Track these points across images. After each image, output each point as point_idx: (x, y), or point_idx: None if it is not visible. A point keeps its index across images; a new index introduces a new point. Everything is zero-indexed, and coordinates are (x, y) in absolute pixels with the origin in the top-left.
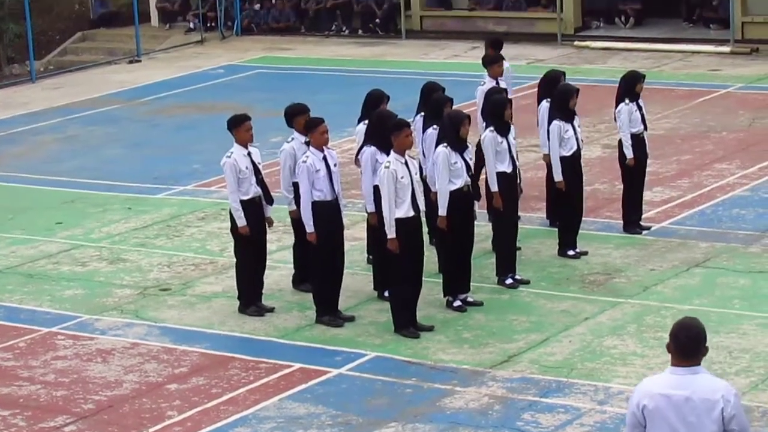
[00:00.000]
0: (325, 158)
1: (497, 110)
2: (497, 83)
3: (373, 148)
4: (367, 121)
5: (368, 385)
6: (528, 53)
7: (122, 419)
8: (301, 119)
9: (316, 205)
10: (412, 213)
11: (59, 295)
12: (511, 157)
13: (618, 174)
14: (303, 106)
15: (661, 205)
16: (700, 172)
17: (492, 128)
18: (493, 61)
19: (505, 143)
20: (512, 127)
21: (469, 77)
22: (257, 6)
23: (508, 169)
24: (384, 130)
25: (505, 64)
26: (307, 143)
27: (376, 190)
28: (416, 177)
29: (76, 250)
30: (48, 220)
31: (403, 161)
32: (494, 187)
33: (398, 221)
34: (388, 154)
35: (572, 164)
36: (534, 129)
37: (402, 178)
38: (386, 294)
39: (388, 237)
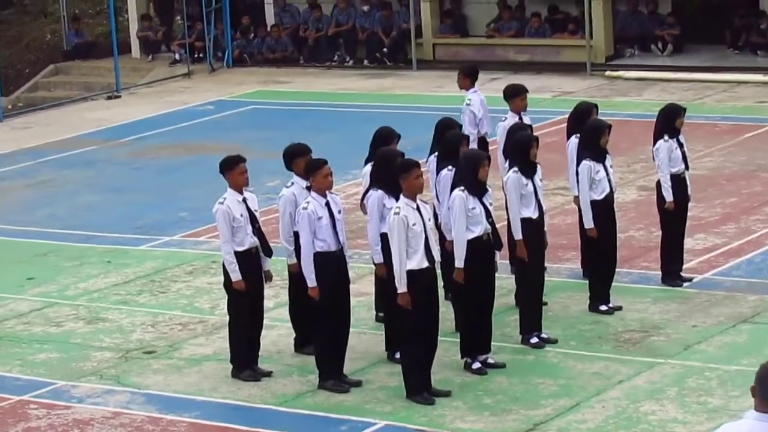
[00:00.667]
0: (328, 204)
1: (522, 149)
2: (520, 118)
3: (380, 191)
4: (373, 162)
5: None
6: (554, 85)
7: None
8: (302, 161)
9: (319, 257)
10: (425, 264)
11: (31, 359)
12: (537, 201)
13: (656, 219)
14: (304, 146)
15: (704, 253)
16: (748, 216)
17: (516, 169)
18: (515, 94)
19: (530, 185)
20: (539, 167)
21: (490, 112)
22: (251, 36)
23: (534, 215)
24: (390, 172)
25: (480, 95)
26: (309, 188)
27: (384, 238)
28: (430, 224)
29: (49, 309)
30: (18, 276)
31: (415, 206)
32: (518, 235)
33: (410, 273)
34: (396, 198)
35: (604, 209)
36: (559, 169)
37: (414, 225)
38: (397, 355)
39: (399, 291)
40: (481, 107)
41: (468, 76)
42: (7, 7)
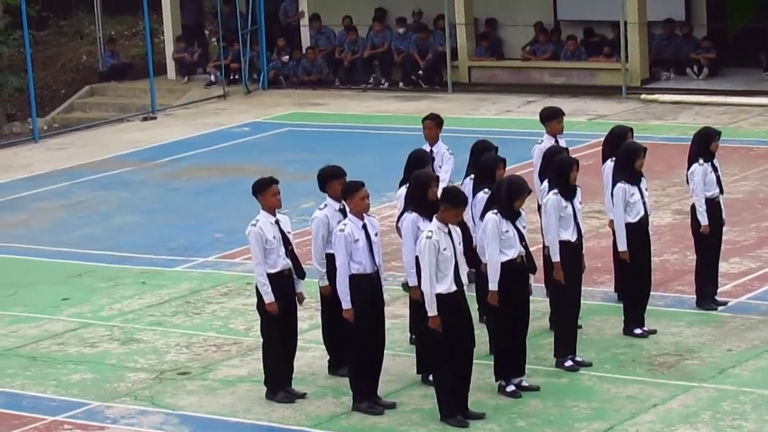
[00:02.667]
0: (365, 226)
1: (563, 171)
2: (556, 141)
3: (414, 214)
4: (408, 185)
5: None
6: (589, 108)
7: None
8: (337, 184)
9: (355, 279)
10: (454, 288)
11: (66, 379)
12: (576, 223)
13: (690, 243)
14: (339, 169)
15: (739, 277)
16: None
17: (556, 191)
18: (551, 117)
19: (569, 208)
20: (578, 190)
21: (524, 135)
22: (285, 57)
23: (572, 238)
24: (424, 194)
25: (441, 145)
26: (342, 210)
27: (419, 261)
28: (460, 248)
29: (84, 330)
30: (53, 296)
31: (447, 230)
32: (555, 257)
33: (440, 297)
34: (431, 220)
35: (639, 232)
36: (594, 192)
37: (445, 249)
38: (431, 378)
39: (429, 314)
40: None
41: (440, 126)
42: (43, 28)
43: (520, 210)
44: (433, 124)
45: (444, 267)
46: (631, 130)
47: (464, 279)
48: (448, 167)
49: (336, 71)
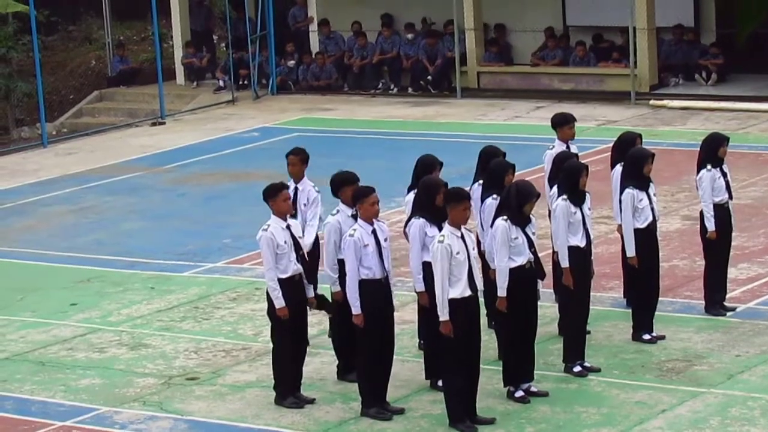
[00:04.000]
0: (374, 232)
1: (572, 177)
2: (568, 147)
3: (422, 220)
4: (416, 190)
5: None
6: (598, 114)
7: None
8: (349, 189)
9: (364, 284)
10: (468, 293)
11: (74, 384)
12: (585, 229)
13: (699, 248)
14: (352, 174)
15: (748, 283)
16: None
17: (565, 197)
18: (563, 123)
19: (579, 214)
20: (587, 196)
21: (533, 140)
22: (291, 62)
23: (581, 243)
24: (432, 200)
25: (307, 182)
26: (354, 216)
27: (426, 266)
28: (473, 252)
29: (92, 335)
30: (61, 302)
31: (459, 234)
32: (564, 263)
33: (453, 302)
34: (438, 226)
35: (647, 238)
36: (603, 198)
37: (458, 253)
38: (440, 383)
39: (441, 319)
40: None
41: (305, 162)
42: (52, 33)
43: (531, 216)
44: (298, 159)
45: (457, 271)
46: (640, 136)
47: (479, 284)
48: (316, 210)
49: (345, 77)
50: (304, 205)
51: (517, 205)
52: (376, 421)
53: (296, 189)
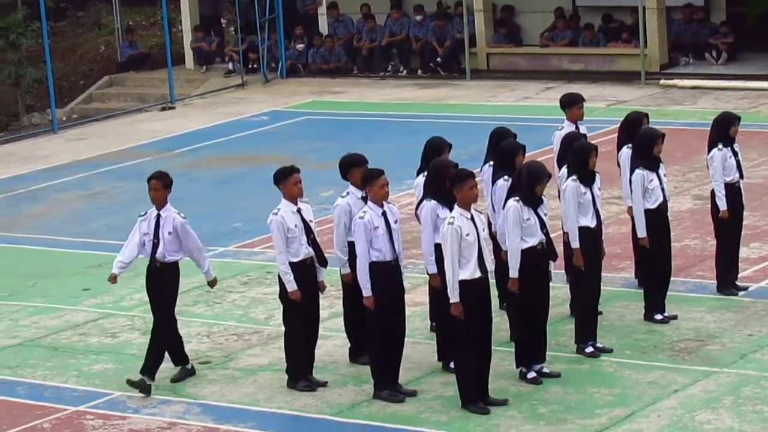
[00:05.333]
0: (384, 214)
1: (581, 157)
2: (577, 127)
3: (433, 202)
4: (426, 173)
5: None
6: (608, 94)
7: None
8: (358, 172)
9: (374, 267)
10: (478, 274)
11: (87, 369)
12: (596, 209)
13: (710, 228)
14: (361, 156)
15: (760, 262)
16: None
17: (575, 177)
18: (572, 103)
19: (588, 194)
20: (597, 176)
21: (543, 121)
22: (300, 46)
23: (592, 224)
24: (443, 182)
25: (171, 209)
26: (365, 198)
27: (438, 248)
28: (484, 234)
29: (105, 320)
30: (73, 287)
31: (469, 216)
32: (575, 244)
33: (463, 283)
34: (450, 208)
35: (658, 218)
36: (614, 178)
37: (467, 235)
38: (452, 365)
39: (451, 301)
40: None
41: (169, 187)
42: (61, 19)
43: (542, 197)
44: (160, 184)
45: (467, 253)
46: (647, 115)
47: (489, 265)
48: (195, 242)
49: (354, 59)
50: (169, 233)
51: (528, 185)
52: (388, 403)
53: (158, 216)
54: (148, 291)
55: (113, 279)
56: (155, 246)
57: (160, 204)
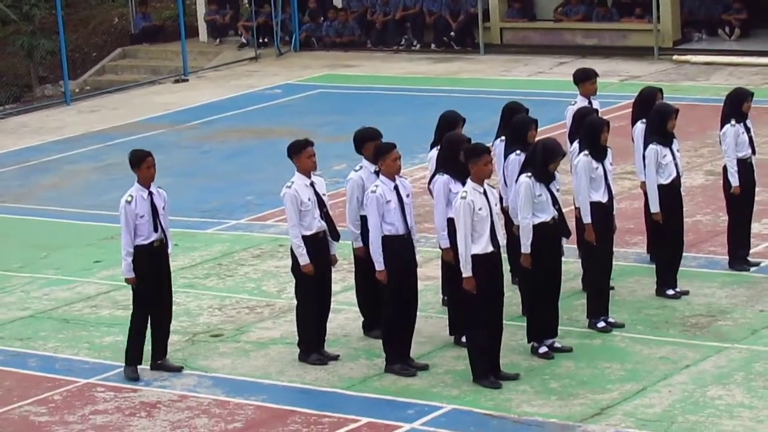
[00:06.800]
0: (396, 188)
1: (593, 133)
2: (590, 102)
3: (446, 176)
4: (439, 147)
5: None
6: (621, 69)
7: None
8: (372, 146)
9: (387, 240)
10: (491, 249)
11: (98, 342)
12: (607, 185)
13: (723, 204)
14: (375, 130)
15: None
16: None
17: (587, 152)
18: (585, 78)
19: (600, 169)
20: (609, 151)
21: (556, 96)
22: (320, 19)
23: (603, 199)
24: (456, 156)
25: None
26: (377, 172)
27: (451, 223)
28: (496, 208)
29: (116, 292)
30: (85, 259)
31: (482, 191)
32: (587, 219)
33: (475, 258)
34: (462, 182)
35: (671, 193)
36: (627, 154)
37: (480, 209)
38: (464, 339)
39: (464, 275)
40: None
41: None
42: None
43: (555, 173)
44: (154, 160)
45: (480, 227)
46: (661, 90)
47: (501, 240)
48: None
49: (368, 33)
50: (163, 208)
51: (542, 162)
52: (400, 377)
53: (151, 194)
54: (148, 275)
55: (133, 281)
56: (158, 224)
57: (152, 180)
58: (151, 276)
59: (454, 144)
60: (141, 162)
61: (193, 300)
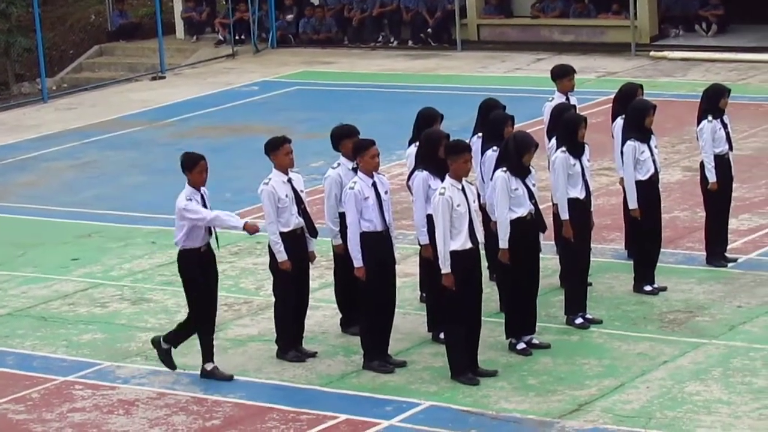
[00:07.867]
0: (374, 184)
1: (571, 129)
2: (567, 99)
3: (425, 172)
4: (417, 143)
5: None
6: (598, 65)
7: None
8: (349, 142)
9: (365, 237)
10: (469, 245)
11: (76, 339)
12: (585, 181)
13: (700, 200)
14: (352, 127)
15: (749, 234)
16: None
17: (564, 149)
18: (563, 75)
19: (578, 166)
20: (587, 147)
21: (533, 92)
22: (290, 17)
23: (581, 195)
24: (435, 153)
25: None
26: (355, 169)
27: (429, 219)
28: (474, 205)
29: (94, 290)
30: (63, 257)
31: (460, 187)
32: (564, 215)
33: (454, 254)
34: (441, 179)
35: (649, 189)
36: (604, 150)
37: (458, 206)
38: (441, 336)
39: (443, 272)
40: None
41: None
42: None
43: (531, 167)
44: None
45: (458, 224)
46: (641, 87)
47: (479, 236)
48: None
49: (345, 30)
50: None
51: (516, 155)
52: (378, 374)
53: (203, 196)
54: (198, 277)
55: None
56: (211, 229)
57: (203, 185)
58: (205, 278)
59: (434, 140)
60: (194, 166)
61: (171, 297)
